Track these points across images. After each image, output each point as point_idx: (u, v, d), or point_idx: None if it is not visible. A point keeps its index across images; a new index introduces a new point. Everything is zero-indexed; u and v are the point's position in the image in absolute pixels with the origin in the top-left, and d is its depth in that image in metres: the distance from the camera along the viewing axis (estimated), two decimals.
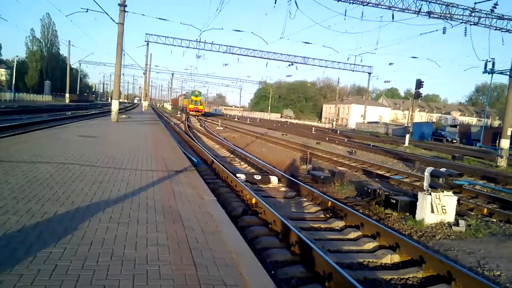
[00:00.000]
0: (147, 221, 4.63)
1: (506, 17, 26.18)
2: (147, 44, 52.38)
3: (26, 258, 3.32)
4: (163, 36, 52.63)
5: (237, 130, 32.33)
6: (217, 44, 52.58)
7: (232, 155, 16.75)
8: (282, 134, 30.65)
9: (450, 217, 7.69)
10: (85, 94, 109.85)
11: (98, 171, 7.33)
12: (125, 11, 22.01)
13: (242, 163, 14.73)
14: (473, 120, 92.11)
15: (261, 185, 10.32)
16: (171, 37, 52.28)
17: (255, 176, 10.71)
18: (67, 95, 68.98)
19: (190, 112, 58.10)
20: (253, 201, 7.61)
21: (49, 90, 76.70)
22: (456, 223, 7.47)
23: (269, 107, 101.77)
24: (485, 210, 9.09)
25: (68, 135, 13.53)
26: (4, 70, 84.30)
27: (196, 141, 19.72)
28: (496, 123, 66.53)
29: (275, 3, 25.29)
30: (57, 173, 6.78)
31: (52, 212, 4.61)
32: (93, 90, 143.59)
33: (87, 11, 24.32)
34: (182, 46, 52.33)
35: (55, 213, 4.57)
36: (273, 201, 8.64)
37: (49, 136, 12.73)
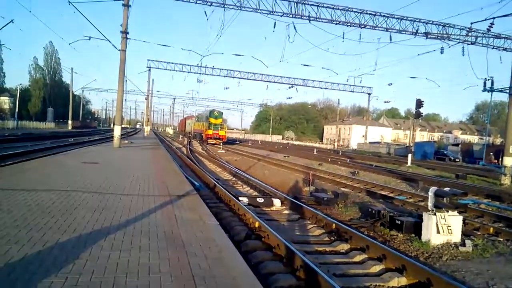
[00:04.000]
0: (149, 248, 4.58)
1: (503, 36, 26.58)
2: (149, 69, 53.17)
3: None
4: (164, 62, 53.48)
5: (239, 153, 32.35)
6: (218, 69, 53.34)
7: (234, 178, 16.70)
8: (284, 156, 30.64)
9: (456, 237, 7.59)
10: (88, 120, 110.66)
11: (100, 198, 7.30)
12: (127, 38, 22.39)
13: (244, 186, 14.67)
14: (474, 139, 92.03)
15: (264, 208, 10.25)
16: (173, 63, 53.17)
17: (257, 199, 10.65)
18: (69, 122, 69.48)
19: (209, 140, 43.98)
20: (256, 224, 7.54)
21: (52, 117, 77.34)
22: (463, 243, 7.37)
23: (271, 129, 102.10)
24: (491, 229, 8.98)
25: (71, 161, 13.55)
26: (7, 98, 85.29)
27: (198, 164, 19.71)
28: (498, 140, 66.41)
29: (274, 27, 25.81)
30: (59, 201, 6.76)
31: (54, 240, 4.57)
32: (96, 116, 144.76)
33: (90, 39, 24.78)
34: (184, 71, 53.04)
35: (56, 242, 4.53)
36: (277, 224, 8.56)
37: (52, 163, 12.76)
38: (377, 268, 6.04)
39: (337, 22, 26.65)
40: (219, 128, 45.19)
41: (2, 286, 3.28)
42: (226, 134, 47.64)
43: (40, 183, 8.44)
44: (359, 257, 6.54)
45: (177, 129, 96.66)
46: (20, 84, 70.86)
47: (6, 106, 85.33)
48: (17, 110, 62.29)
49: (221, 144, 40.88)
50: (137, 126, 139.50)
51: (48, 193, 7.34)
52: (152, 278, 3.70)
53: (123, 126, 29.67)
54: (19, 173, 10.01)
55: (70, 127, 67.69)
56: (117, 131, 23.07)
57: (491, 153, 40.18)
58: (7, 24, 37.83)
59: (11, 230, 4.82)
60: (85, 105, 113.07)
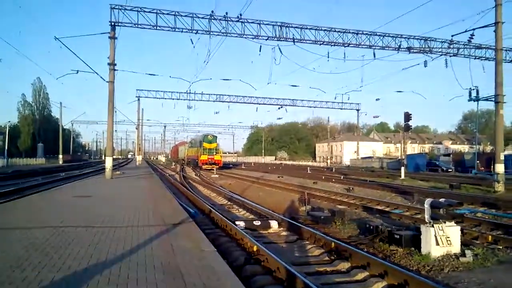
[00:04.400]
0: (147, 280, 4.49)
1: (484, 46, 27.20)
2: (138, 99, 53.30)
3: None
4: (153, 91, 53.54)
5: (233, 176, 32.24)
6: (207, 94, 53.58)
7: (229, 202, 16.58)
8: (278, 177, 30.59)
9: (456, 248, 7.56)
10: (79, 153, 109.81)
11: (94, 232, 7.17)
12: (114, 70, 22.53)
13: (240, 209, 14.56)
14: (465, 148, 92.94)
15: (261, 231, 10.15)
16: (162, 91, 53.21)
17: (254, 222, 10.56)
18: (60, 156, 68.84)
19: (204, 166, 42.65)
20: (255, 248, 7.44)
21: (42, 153, 76.58)
22: (463, 254, 7.33)
23: (263, 151, 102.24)
24: (490, 237, 8.97)
25: (63, 196, 13.37)
26: None
27: (192, 191, 19.56)
28: (488, 148, 67.13)
29: (260, 51, 26.20)
30: (53, 238, 6.63)
31: (49, 279, 4.45)
32: (87, 148, 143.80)
33: (77, 72, 24.76)
34: (173, 99, 53.09)
35: (51, 280, 4.42)
36: (275, 247, 8.46)
37: (44, 199, 12.57)
38: (379, 285, 5.97)
39: (321, 43, 27.13)
40: (214, 153, 43.80)
41: None
42: (221, 159, 46.33)
43: (33, 220, 8.29)
44: (360, 275, 6.46)
45: (169, 157, 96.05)
46: (9, 121, 70.33)
47: None
48: (6, 148, 61.66)
49: (215, 169, 40.05)
50: (129, 156, 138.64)
51: (41, 230, 7.20)
52: None
53: (114, 156, 29.52)
54: (12, 210, 9.83)
55: (61, 162, 67.03)
56: (108, 163, 22.94)
57: (478, 162, 40.85)
58: None
59: (4, 271, 4.69)
60: (75, 138, 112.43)
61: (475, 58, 27.87)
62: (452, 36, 25.76)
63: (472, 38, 23.13)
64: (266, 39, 26.01)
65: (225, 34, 25.37)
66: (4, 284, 4.23)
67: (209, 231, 9.33)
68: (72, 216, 8.98)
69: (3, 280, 4.36)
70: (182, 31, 24.88)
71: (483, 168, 38.74)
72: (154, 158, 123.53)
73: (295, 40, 26.22)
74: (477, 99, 27.29)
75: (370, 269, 6.59)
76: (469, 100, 27.34)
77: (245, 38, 25.82)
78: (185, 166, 50.21)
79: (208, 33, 25.17)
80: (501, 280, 6.01)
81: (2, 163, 54.04)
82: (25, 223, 7.95)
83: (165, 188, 17.91)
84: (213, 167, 41.77)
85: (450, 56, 27.55)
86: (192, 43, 25.60)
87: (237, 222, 10.26)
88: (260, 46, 25.82)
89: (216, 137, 47.95)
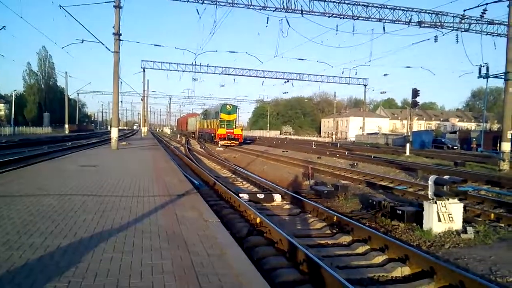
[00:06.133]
0: (152, 248, 4.57)
1: (496, 21, 26.58)
2: (144, 70, 52.90)
3: None
4: (159, 62, 53.23)
5: (238, 150, 32.32)
6: (213, 66, 53.22)
7: (233, 175, 16.70)
8: (283, 151, 30.64)
9: (458, 224, 7.61)
10: (85, 123, 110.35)
11: (100, 201, 7.28)
12: (120, 40, 22.28)
13: (244, 182, 14.67)
14: (472, 125, 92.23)
15: (264, 204, 10.25)
16: (167, 62, 52.94)
17: (258, 195, 10.65)
18: (66, 126, 69.20)
19: (221, 142, 35.99)
20: (258, 220, 7.54)
21: (48, 122, 77.06)
22: (464, 231, 7.38)
23: (268, 125, 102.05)
24: (492, 215, 9.00)
25: (69, 165, 13.52)
26: (3, 105, 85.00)
27: (197, 163, 19.69)
28: (495, 126, 66.56)
29: (267, 22, 25.79)
30: (59, 205, 6.74)
31: (55, 245, 4.55)
32: (92, 119, 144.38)
33: (83, 42, 24.50)
34: (178, 71, 52.86)
35: (58, 246, 4.51)
36: (278, 219, 8.56)
37: (50, 168, 12.72)
38: (380, 258, 6.05)
39: (330, 15, 26.60)
40: (233, 126, 37.40)
41: None
42: (242, 133, 39.39)
43: (40, 188, 8.41)
44: (361, 249, 6.55)
45: (175, 129, 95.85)
46: (15, 90, 70.42)
47: (2, 113, 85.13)
48: (13, 117, 62.07)
49: (219, 144, 35.85)
50: (134, 127, 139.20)
51: (48, 198, 7.32)
52: (155, 278, 3.70)
53: (120, 127, 29.58)
54: (18, 179, 9.97)
55: (67, 131, 67.43)
56: (114, 133, 23.02)
57: (474, 138, 41.11)
58: None
59: (12, 237, 4.80)
60: (81, 108, 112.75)
61: (486, 34, 27.32)
62: (464, 10, 25.20)
63: (485, 13, 22.59)
64: (273, 11, 25.56)
65: (231, 5, 24.94)
66: (12, 249, 4.34)
67: (213, 203, 9.44)
68: (79, 184, 9.10)
69: (11, 246, 4.46)
70: (188, 1, 24.46)
71: (474, 146, 39.36)
72: (160, 130, 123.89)
73: (303, 12, 25.71)
74: (487, 76, 26.80)
75: (371, 243, 6.68)
76: (478, 77, 26.83)
77: (252, 9, 25.42)
78: (190, 139, 49.48)
79: (214, 3, 24.73)
80: (501, 257, 6.06)
81: (9, 131, 54.54)
82: (32, 191, 8.07)
83: (170, 159, 18.03)
84: (232, 143, 36.36)
85: (461, 31, 26.99)
86: (198, 14, 25.20)
87: (240, 195, 10.36)
88: (268, 17, 25.41)
89: (237, 107, 40.30)
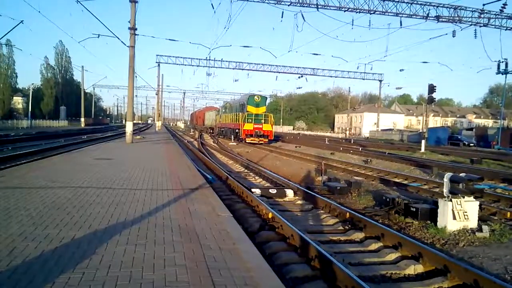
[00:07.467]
0: (164, 241, 4.61)
1: None
2: (158, 65, 53.28)
3: (45, 285, 3.31)
4: (173, 57, 53.60)
5: (250, 145, 32.32)
6: (227, 61, 53.33)
7: (246, 170, 16.72)
8: (296, 146, 30.53)
9: (473, 223, 7.48)
10: (100, 117, 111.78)
11: (114, 193, 7.37)
12: (135, 35, 22.44)
13: (256, 177, 14.67)
14: (489, 122, 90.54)
15: (277, 199, 10.24)
16: (181, 57, 53.22)
17: (270, 190, 10.64)
18: (82, 119, 70.24)
19: (248, 139, 30.99)
20: (270, 215, 7.53)
21: (64, 115, 78.34)
22: (480, 229, 7.26)
23: (281, 120, 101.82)
24: (508, 213, 8.83)
25: (85, 158, 13.71)
26: (20, 98, 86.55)
27: (210, 158, 19.76)
28: None
29: (282, 17, 25.60)
30: (75, 197, 6.84)
31: (70, 236, 4.63)
32: (108, 113, 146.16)
33: (99, 36, 24.97)
34: (193, 65, 53.12)
35: (73, 238, 4.59)
36: (290, 215, 8.54)
37: (66, 161, 12.92)
38: (392, 256, 5.99)
39: (346, 9, 26.34)
40: (262, 121, 31.29)
41: (20, 283, 3.34)
42: (273, 129, 32.83)
43: (55, 181, 8.55)
44: (374, 246, 6.49)
45: (189, 123, 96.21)
46: (32, 83, 71.54)
47: (20, 106, 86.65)
48: (30, 110, 63.14)
49: (244, 141, 31.29)
50: (149, 121, 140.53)
51: (63, 190, 7.44)
52: (168, 271, 3.73)
53: (134, 121, 29.89)
54: (35, 171, 10.15)
55: (83, 125, 68.45)
56: (129, 127, 23.26)
57: (496, 136, 40.34)
58: (17, 25, 38.09)
59: (27, 228, 4.89)
60: (97, 102, 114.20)
61: (506, 29, 26.67)
62: (484, 5, 24.56)
63: (505, 8, 22.07)
64: (288, 5, 25.42)
65: None
66: (27, 240, 4.42)
67: (225, 197, 9.48)
68: (93, 177, 9.22)
69: (26, 237, 4.55)
70: None
71: (494, 143, 38.75)
72: (174, 124, 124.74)
73: (319, 6, 25.50)
74: (505, 72, 26.27)
75: (384, 240, 6.61)
76: (497, 73, 26.44)
77: (267, 3, 25.26)
78: (204, 133, 49.21)
79: None
80: None
81: (26, 124, 55.57)
82: (48, 183, 8.21)
83: (183, 153, 18.14)
84: (261, 140, 31.15)
85: (480, 26, 26.46)
86: (213, 8, 25.26)
87: (253, 190, 10.36)
88: (282, 12, 25.21)
89: (266, 98, 34.43)
